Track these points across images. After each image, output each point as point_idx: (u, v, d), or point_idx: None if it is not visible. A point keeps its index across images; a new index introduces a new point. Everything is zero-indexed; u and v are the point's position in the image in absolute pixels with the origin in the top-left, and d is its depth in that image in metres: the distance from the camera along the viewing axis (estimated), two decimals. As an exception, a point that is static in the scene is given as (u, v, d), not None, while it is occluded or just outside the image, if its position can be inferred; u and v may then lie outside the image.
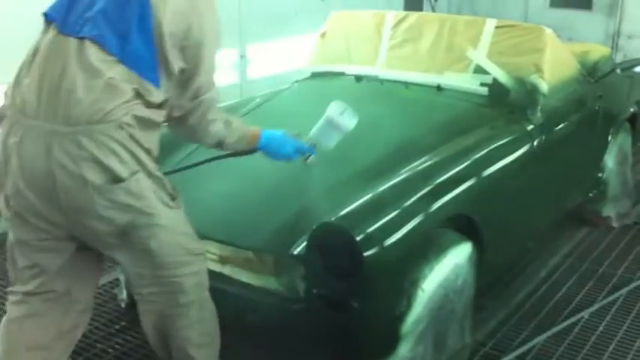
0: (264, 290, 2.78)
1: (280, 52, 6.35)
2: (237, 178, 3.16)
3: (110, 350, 3.26)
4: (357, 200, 2.69)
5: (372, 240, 2.49)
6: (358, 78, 3.98)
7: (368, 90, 3.91)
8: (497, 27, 3.76)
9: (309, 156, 2.56)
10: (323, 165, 3.13)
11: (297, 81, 4.27)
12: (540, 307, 3.65)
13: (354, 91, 3.96)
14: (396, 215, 2.63)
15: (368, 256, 2.44)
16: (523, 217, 3.44)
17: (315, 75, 4.26)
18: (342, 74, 4.10)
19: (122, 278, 3.48)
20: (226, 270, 2.91)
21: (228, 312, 2.94)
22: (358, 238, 2.45)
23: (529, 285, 3.85)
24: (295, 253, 2.66)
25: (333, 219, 2.55)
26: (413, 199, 2.72)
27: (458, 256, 2.82)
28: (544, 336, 3.37)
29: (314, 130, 2.55)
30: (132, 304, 3.46)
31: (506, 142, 3.36)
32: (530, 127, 3.51)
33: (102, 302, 3.59)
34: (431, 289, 2.66)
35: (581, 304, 3.70)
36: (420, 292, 2.62)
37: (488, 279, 3.26)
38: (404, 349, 2.63)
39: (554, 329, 3.42)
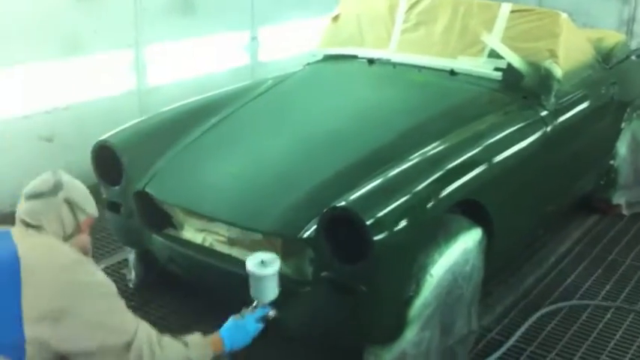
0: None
1: (292, 34, 6.32)
2: (246, 160, 3.16)
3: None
4: (367, 184, 2.68)
5: (381, 224, 2.48)
6: (371, 61, 3.96)
7: (380, 73, 3.89)
8: (512, 11, 3.72)
9: (268, 313, 2.44)
10: (333, 148, 3.13)
11: (308, 63, 4.25)
12: (549, 293, 3.63)
13: (367, 74, 3.94)
14: (406, 200, 2.61)
15: (377, 240, 2.43)
16: (534, 203, 3.42)
17: (327, 58, 4.23)
18: (354, 57, 4.07)
19: (130, 258, 3.50)
20: (234, 252, 2.92)
21: (235, 294, 2.96)
22: (368, 223, 2.44)
23: (538, 271, 3.84)
24: (304, 236, 2.65)
25: (342, 203, 2.54)
26: (423, 184, 2.70)
27: (467, 242, 2.81)
28: (552, 323, 3.37)
29: (252, 291, 2.46)
30: (140, 284, 3.49)
31: (519, 128, 3.33)
32: (544, 112, 3.48)
33: (111, 282, 3.60)
34: (440, 274, 2.65)
35: (589, 291, 3.68)
36: (428, 277, 2.62)
37: (497, 265, 3.25)
38: (411, 333, 2.63)
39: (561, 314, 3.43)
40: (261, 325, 2.42)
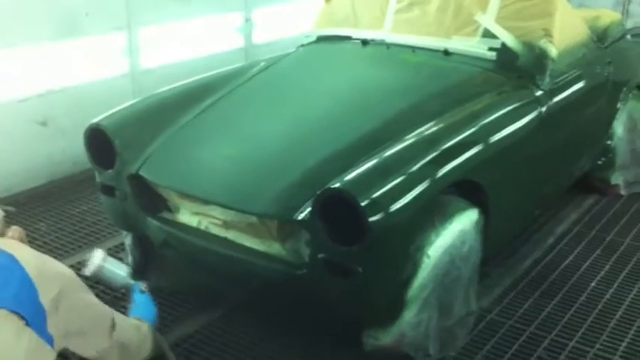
0: (267, 255, 2.78)
1: (287, 16, 6.27)
2: (241, 142, 3.14)
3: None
4: (363, 165, 2.66)
5: (377, 205, 2.46)
6: (365, 42, 3.92)
7: (374, 54, 3.86)
8: (506, -10, 3.68)
9: (140, 288, 2.75)
10: (328, 130, 3.11)
11: (302, 45, 4.21)
12: (547, 274, 3.62)
13: (361, 55, 3.91)
14: (401, 181, 2.59)
15: (373, 221, 2.42)
16: (530, 183, 3.41)
17: (321, 39, 4.20)
18: (348, 38, 4.04)
19: (127, 242, 3.47)
20: (230, 235, 2.90)
21: (231, 277, 2.95)
22: (363, 204, 2.42)
23: (536, 252, 3.82)
24: (300, 218, 2.63)
25: (338, 184, 2.52)
26: (419, 165, 2.68)
27: (464, 223, 2.79)
28: (551, 303, 3.37)
29: (114, 286, 2.84)
30: (137, 268, 3.47)
31: (514, 108, 3.31)
32: (539, 92, 3.45)
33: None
34: (437, 255, 2.64)
35: (588, 272, 3.68)
36: (425, 258, 2.60)
37: (495, 246, 3.24)
38: (409, 314, 2.63)
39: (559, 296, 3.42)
40: (146, 295, 2.72)
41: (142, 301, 2.70)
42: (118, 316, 2.37)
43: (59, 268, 2.18)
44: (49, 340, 1.97)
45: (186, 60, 5.30)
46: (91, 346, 2.19)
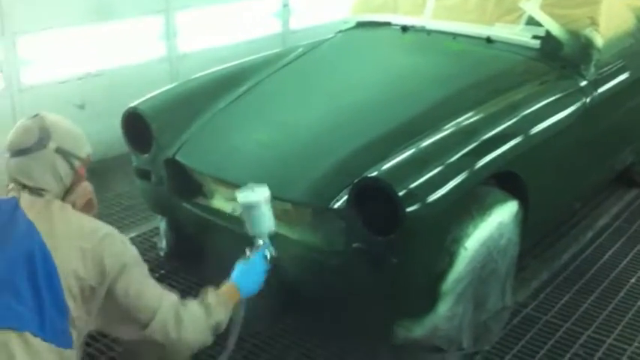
0: (301, 243, 2.74)
1: (324, 1, 6.22)
2: (277, 128, 3.11)
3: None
4: (400, 155, 2.62)
5: (414, 196, 2.42)
6: (404, 28, 3.86)
7: (414, 41, 3.80)
8: (552, -23, 3.58)
9: (271, 254, 2.34)
10: (365, 118, 3.07)
11: (340, 31, 4.16)
12: (586, 269, 3.55)
13: (400, 41, 3.86)
14: (439, 171, 2.55)
15: (410, 212, 2.37)
16: (571, 176, 3.32)
17: (359, 25, 4.14)
18: (387, 24, 3.98)
19: (162, 227, 3.48)
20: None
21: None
22: (400, 193, 2.38)
23: (574, 246, 3.74)
24: (335, 206, 2.60)
25: (375, 173, 2.48)
26: (458, 155, 2.63)
27: (503, 215, 2.73)
28: (589, 299, 3.30)
29: (248, 227, 2.36)
30: (171, 252, 3.47)
31: (558, 98, 3.23)
32: (583, 83, 3.36)
33: (142, 251, 3.58)
34: (474, 248, 2.59)
35: (628, 267, 3.59)
36: (462, 250, 2.55)
37: (533, 239, 3.17)
38: (443, 307, 2.58)
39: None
40: (267, 265, 2.33)
41: (255, 268, 2.30)
42: (182, 306, 2.04)
43: (118, 247, 1.92)
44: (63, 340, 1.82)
45: (223, 45, 5.29)
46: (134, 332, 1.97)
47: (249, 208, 2.35)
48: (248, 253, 2.33)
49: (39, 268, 1.78)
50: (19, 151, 1.90)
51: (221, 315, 2.12)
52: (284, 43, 5.70)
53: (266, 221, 2.36)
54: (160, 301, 1.98)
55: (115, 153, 4.50)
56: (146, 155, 3.19)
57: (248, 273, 2.28)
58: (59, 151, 1.91)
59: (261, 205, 2.34)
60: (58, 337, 1.79)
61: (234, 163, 2.98)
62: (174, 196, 3.13)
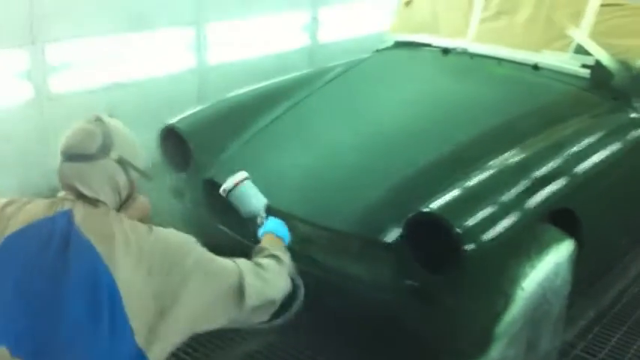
0: (347, 275, 2.63)
1: (352, 15, 6.12)
2: (318, 152, 3.01)
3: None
4: (454, 188, 2.50)
5: (472, 233, 2.30)
6: (446, 51, 3.76)
7: (456, 64, 3.69)
8: (602, 5, 3.47)
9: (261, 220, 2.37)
10: (411, 145, 2.96)
11: (378, 50, 4.06)
12: (635, 306, 3.43)
13: (442, 64, 3.75)
14: (496, 207, 2.44)
15: (467, 250, 2.26)
16: (623, 212, 3.21)
17: (398, 44, 4.04)
18: (427, 45, 3.87)
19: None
20: (307, 250, 2.75)
21: (306, 294, 2.82)
22: (459, 230, 2.27)
23: (621, 282, 3.61)
24: (386, 239, 2.49)
25: (431, 207, 2.36)
26: (515, 191, 2.52)
27: (559, 254, 2.61)
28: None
29: (244, 211, 2.39)
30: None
31: (610, 132, 3.12)
32: (635, 115, 3.25)
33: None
34: (531, 289, 2.47)
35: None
36: (519, 291, 2.43)
37: (585, 278, 3.05)
38: (496, 350, 2.46)
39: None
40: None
41: (273, 222, 2.30)
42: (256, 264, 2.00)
43: (182, 249, 1.85)
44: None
45: (252, 58, 5.20)
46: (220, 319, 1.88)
47: (234, 193, 2.38)
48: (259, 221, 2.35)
49: (104, 300, 1.65)
50: (79, 157, 1.74)
51: (285, 255, 2.13)
52: (311, 57, 5.61)
53: (256, 197, 2.39)
54: (237, 276, 1.88)
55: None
56: (182, 174, 3.08)
57: (278, 224, 2.29)
58: (120, 161, 1.77)
59: (242, 185, 2.38)
60: None
61: (276, 188, 2.84)
62: (210, 218, 3.02)
